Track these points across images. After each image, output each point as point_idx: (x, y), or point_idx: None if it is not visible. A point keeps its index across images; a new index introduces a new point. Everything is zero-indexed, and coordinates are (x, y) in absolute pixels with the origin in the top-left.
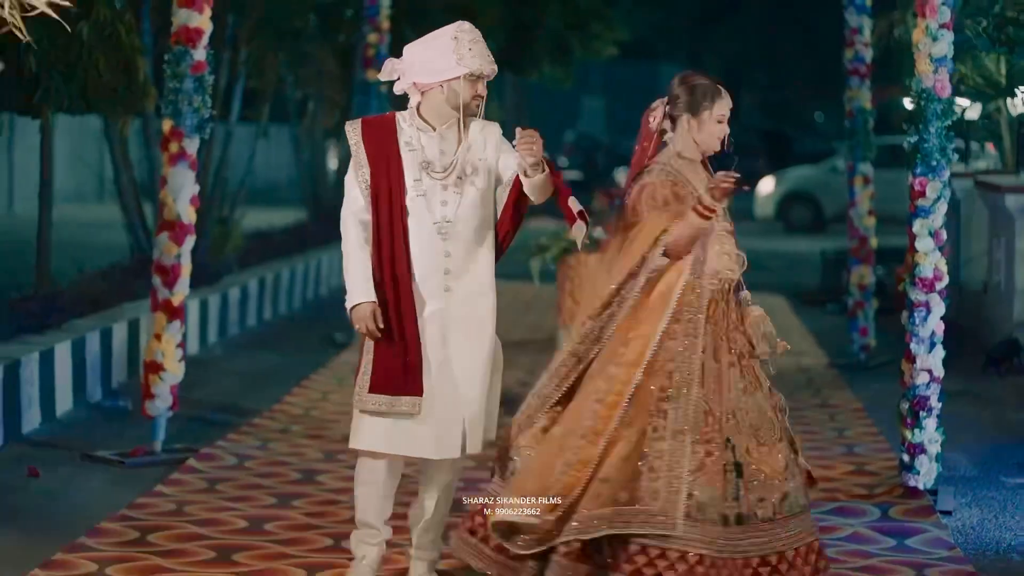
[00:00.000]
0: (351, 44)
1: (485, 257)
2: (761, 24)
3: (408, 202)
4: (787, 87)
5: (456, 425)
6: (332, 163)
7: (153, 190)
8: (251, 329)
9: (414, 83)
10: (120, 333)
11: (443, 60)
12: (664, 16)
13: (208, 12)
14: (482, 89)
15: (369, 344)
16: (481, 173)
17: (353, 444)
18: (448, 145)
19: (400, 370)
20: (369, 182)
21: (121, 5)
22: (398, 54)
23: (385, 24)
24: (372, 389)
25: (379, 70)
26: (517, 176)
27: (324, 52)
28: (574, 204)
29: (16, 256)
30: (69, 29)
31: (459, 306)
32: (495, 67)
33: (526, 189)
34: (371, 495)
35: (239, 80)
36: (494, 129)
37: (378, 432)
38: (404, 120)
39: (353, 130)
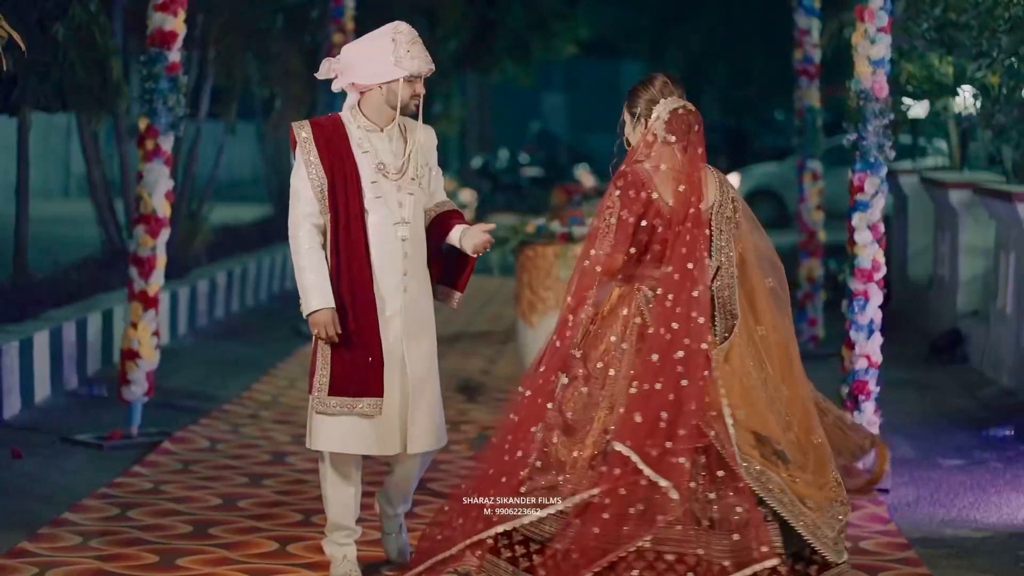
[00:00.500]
0: (316, 44)
1: (425, 257)
2: (722, 23)
3: (367, 204)
4: (748, 85)
5: (418, 420)
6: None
7: (122, 186)
8: (219, 320)
9: (352, 83)
10: (94, 323)
11: (381, 62)
12: (626, 14)
13: (182, 16)
14: (420, 88)
15: (324, 346)
16: (425, 176)
17: (317, 446)
18: (397, 146)
19: (361, 372)
20: (325, 186)
21: (95, 7)
22: None
23: (350, 25)
24: (332, 391)
25: None
26: (445, 224)
27: (290, 51)
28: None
29: None
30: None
31: (414, 305)
32: (432, 66)
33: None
34: (344, 495)
35: (207, 79)
36: (432, 135)
37: (342, 434)
38: (350, 121)
39: (306, 134)
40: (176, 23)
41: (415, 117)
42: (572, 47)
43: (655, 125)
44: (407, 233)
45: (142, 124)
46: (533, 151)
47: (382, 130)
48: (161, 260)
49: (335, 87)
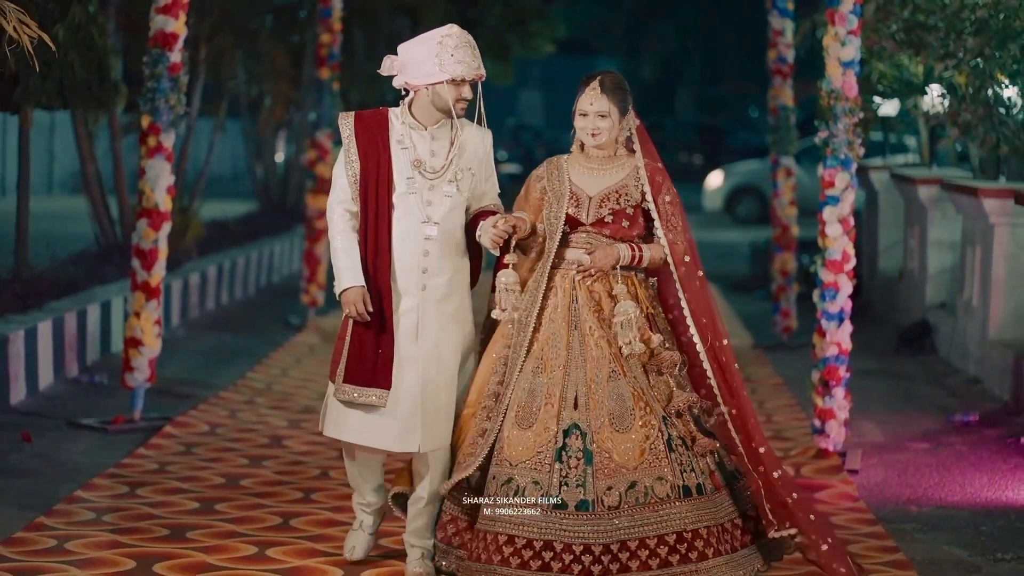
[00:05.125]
0: (303, 43)
1: (460, 260)
2: (697, 21)
3: (396, 199)
4: (722, 83)
5: (419, 420)
6: (279, 156)
7: (115, 182)
8: (210, 312)
9: (406, 82)
10: (94, 314)
11: (428, 64)
12: (602, 12)
13: (183, 18)
14: (467, 92)
15: (349, 333)
16: (467, 179)
17: (323, 431)
18: (440, 146)
19: (372, 362)
20: (358, 176)
21: (94, 8)
22: (348, 54)
23: (337, 25)
24: (345, 379)
25: (332, 69)
26: (473, 223)
27: (278, 51)
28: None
29: None
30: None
31: (433, 304)
32: (481, 71)
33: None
34: (352, 469)
35: (199, 77)
36: (486, 140)
37: (345, 421)
38: (396, 117)
39: (346, 123)
40: (177, 25)
41: (475, 119)
42: (550, 46)
43: (633, 121)
44: (433, 232)
45: (144, 122)
46: (511, 148)
47: (426, 128)
48: (163, 252)
49: (395, 84)
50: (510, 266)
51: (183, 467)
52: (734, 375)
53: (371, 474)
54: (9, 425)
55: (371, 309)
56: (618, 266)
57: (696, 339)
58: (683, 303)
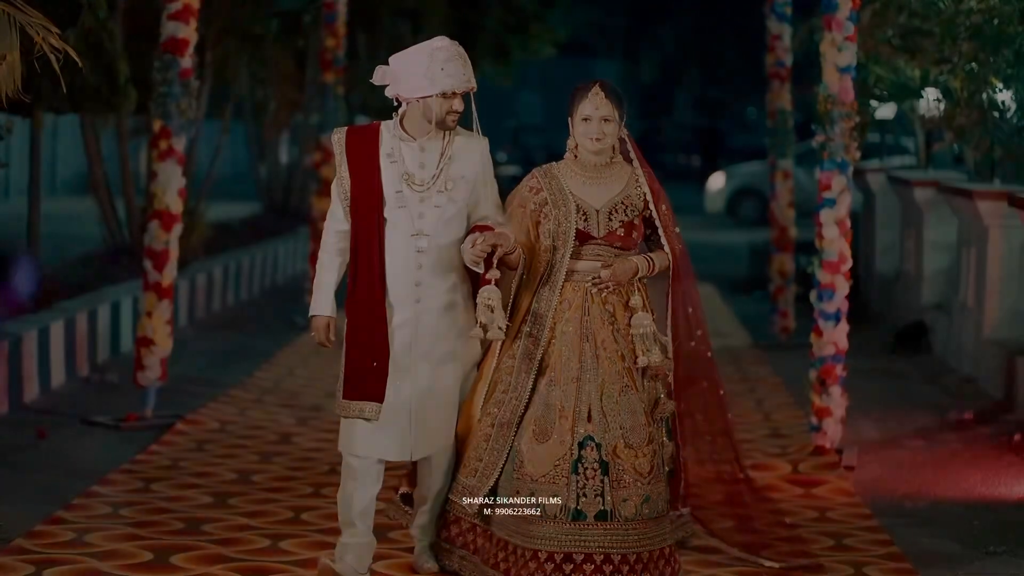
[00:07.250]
0: (307, 48)
1: (457, 272)
2: (696, 23)
3: (387, 212)
4: (721, 85)
5: (411, 431)
6: (283, 158)
7: (123, 184)
8: (217, 312)
9: (397, 94)
10: (104, 314)
11: (418, 77)
12: (601, 15)
13: (193, 24)
14: (458, 105)
15: (343, 349)
16: (460, 189)
17: (339, 447)
18: (429, 157)
19: (366, 376)
20: (349, 192)
21: (104, 14)
22: (352, 58)
23: (342, 30)
24: (344, 394)
25: (336, 73)
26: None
27: (283, 55)
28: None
29: None
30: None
31: (428, 317)
32: (472, 84)
33: None
34: (343, 493)
35: (205, 82)
36: (480, 147)
37: (351, 435)
38: (387, 130)
39: (338, 140)
40: (188, 31)
41: (469, 128)
42: (550, 49)
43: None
44: (424, 245)
45: (156, 126)
46: (510, 150)
47: (415, 140)
48: (174, 253)
49: (387, 93)
50: (493, 282)
51: (196, 463)
52: (712, 369)
53: (361, 498)
54: (24, 423)
55: (333, 338)
56: (635, 278)
57: (668, 331)
58: (668, 299)
